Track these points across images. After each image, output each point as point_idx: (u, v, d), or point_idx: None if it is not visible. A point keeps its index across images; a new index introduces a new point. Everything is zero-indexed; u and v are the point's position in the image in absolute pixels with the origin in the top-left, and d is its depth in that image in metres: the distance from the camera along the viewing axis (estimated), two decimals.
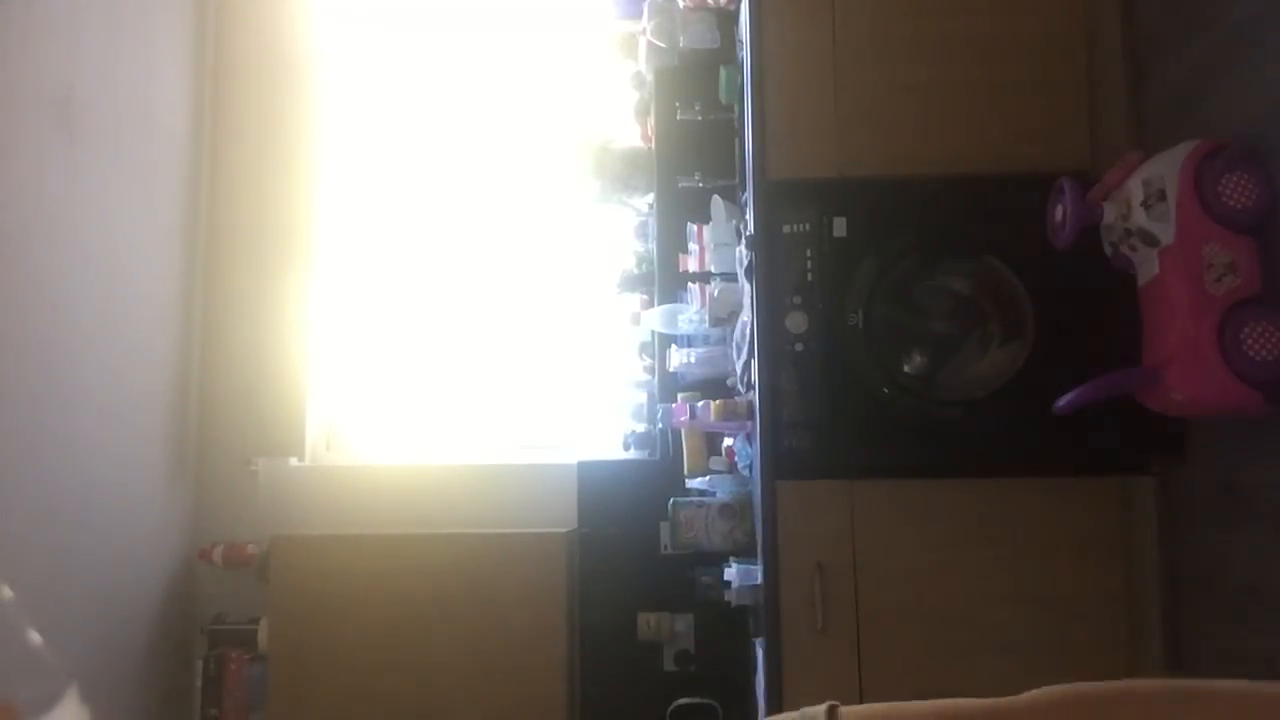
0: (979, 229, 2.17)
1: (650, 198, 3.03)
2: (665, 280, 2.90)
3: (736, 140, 2.62)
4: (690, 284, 2.72)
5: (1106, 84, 2.23)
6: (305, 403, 3.26)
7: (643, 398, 3.07)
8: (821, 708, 0.93)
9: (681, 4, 2.81)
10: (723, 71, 2.67)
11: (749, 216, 2.28)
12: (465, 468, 3.23)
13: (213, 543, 3.12)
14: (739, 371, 2.44)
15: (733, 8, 2.67)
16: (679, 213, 2.84)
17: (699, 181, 2.77)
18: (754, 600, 2.26)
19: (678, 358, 2.68)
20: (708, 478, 2.56)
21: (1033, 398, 2.03)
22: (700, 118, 2.79)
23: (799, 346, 2.14)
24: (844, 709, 0.93)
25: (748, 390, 2.32)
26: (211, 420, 3.25)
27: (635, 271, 3.10)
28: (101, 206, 2.77)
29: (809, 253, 2.17)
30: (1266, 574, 1.81)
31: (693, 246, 2.70)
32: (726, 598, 2.40)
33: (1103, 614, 2.08)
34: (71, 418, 2.62)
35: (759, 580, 2.19)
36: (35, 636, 2.40)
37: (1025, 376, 2.09)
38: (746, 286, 2.29)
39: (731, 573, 2.32)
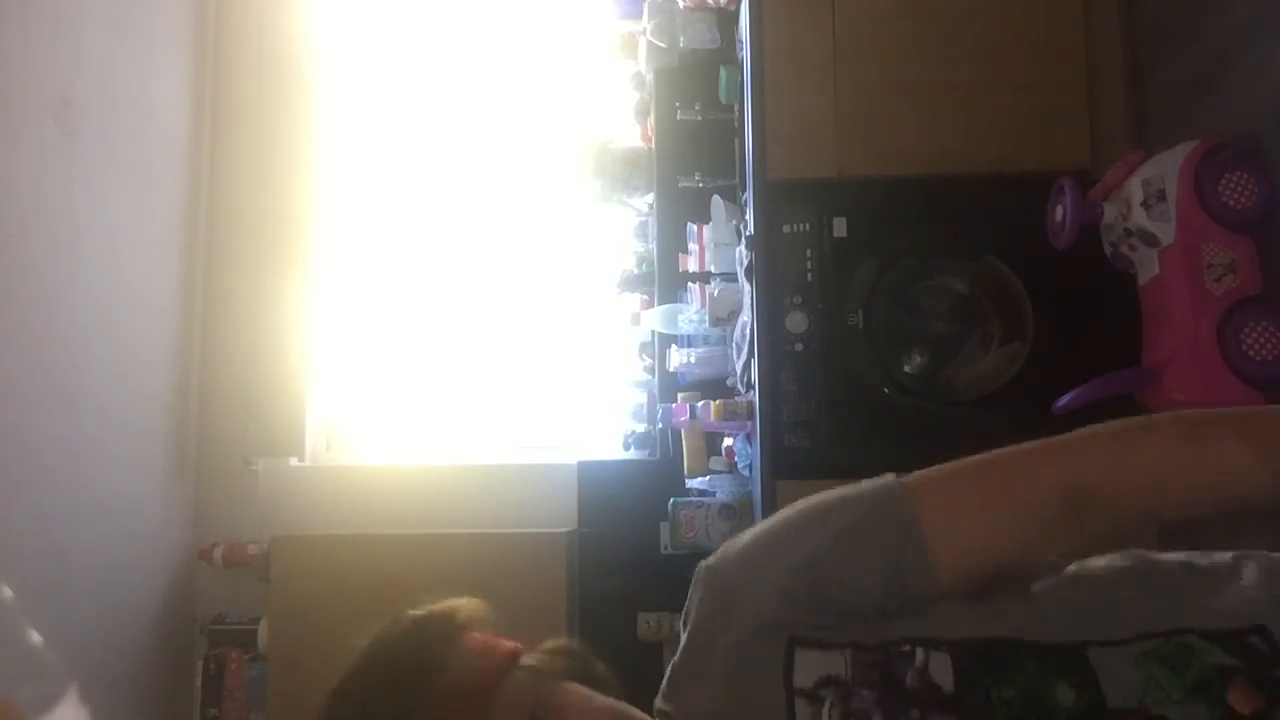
0: (979, 229, 2.17)
1: (650, 198, 3.03)
2: (665, 280, 2.89)
3: (736, 140, 2.62)
4: (690, 284, 2.72)
5: (1106, 84, 2.23)
6: (305, 403, 3.26)
7: (643, 398, 3.07)
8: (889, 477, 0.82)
9: (681, 4, 2.81)
10: (723, 71, 2.67)
11: (749, 216, 2.28)
12: (465, 468, 3.23)
13: (213, 543, 3.12)
14: (739, 371, 2.43)
15: (733, 8, 2.67)
16: (679, 213, 2.84)
17: (699, 181, 2.77)
18: None
19: (678, 358, 2.68)
20: (708, 478, 2.56)
21: (1033, 398, 2.03)
22: (700, 118, 2.79)
23: (799, 346, 2.14)
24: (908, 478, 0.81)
25: (748, 390, 2.32)
26: (211, 420, 3.24)
27: (635, 271, 3.10)
28: (101, 206, 2.76)
29: (809, 253, 2.17)
30: None
31: (693, 246, 2.70)
32: None
33: None
34: (71, 418, 2.62)
35: None
36: (35, 636, 2.40)
37: (1025, 376, 2.10)
38: (746, 286, 2.29)
39: None
